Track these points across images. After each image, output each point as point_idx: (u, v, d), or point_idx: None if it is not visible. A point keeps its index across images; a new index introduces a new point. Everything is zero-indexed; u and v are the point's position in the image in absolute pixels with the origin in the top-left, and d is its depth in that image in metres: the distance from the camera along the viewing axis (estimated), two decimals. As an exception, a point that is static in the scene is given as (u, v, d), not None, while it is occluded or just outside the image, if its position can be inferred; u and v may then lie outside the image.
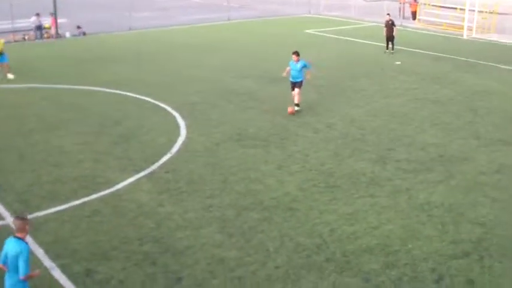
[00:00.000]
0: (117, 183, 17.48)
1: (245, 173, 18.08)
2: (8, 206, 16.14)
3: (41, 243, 14.21)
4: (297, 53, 24.77)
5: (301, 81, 24.74)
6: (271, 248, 13.87)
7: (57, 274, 12.96)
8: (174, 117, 23.92)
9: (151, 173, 18.18)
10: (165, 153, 19.73)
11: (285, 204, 16.04)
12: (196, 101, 26.39)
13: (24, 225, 10.25)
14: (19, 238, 10.15)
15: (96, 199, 16.51)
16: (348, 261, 13.36)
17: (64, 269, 13.15)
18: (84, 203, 16.27)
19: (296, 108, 24.59)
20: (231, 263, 13.25)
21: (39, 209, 16.02)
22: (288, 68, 25.00)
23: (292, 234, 14.50)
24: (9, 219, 15.37)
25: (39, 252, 13.85)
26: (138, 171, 18.28)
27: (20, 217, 10.45)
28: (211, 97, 27.00)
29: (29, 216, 15.18)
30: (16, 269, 10.09)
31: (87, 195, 16.71)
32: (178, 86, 29.33)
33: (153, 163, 18.91)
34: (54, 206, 16.17)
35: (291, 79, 24.89)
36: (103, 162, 19.15)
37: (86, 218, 15.43)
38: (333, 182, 17.50)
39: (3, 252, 10.31)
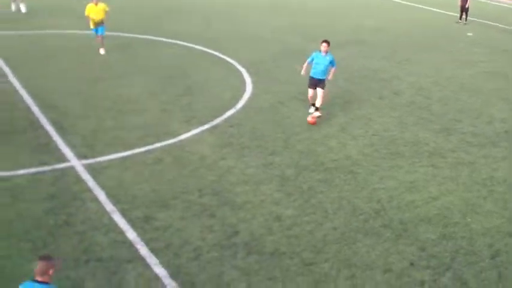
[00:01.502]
0: (181, 134, 17.69)
1: (308, 133, 18.08)
2: (74, 150, 16.48)
3: (103, 187, 14.51)
4: (327, 43, 19.62)
5: (325, 80, 19.75)
6: (329, 210, 13.90)
7: (117, 218, 13.25)
8: (240, 73, 23.98)
9: (215, 127, 18.32)
10: (229, 108, 19.85)
11: (346, 167, 16.02)
12: (263, 59, 26.38)
13: (48, 269, 8.34)
14: (45, 283, 8.31)
15: (159, 148, 16.74)
16: (405, 229, 13.31)
17: (124, 213, 13.42)
18: (147, 151, 16.51)
19: (316, 114, 19.61)
20: (287, 221, 13.34)
21: (103, 154, 16.33)
22: (305, 64, 19.91)
23: (351, 198, 14.49)
24: (74, 162, 15.76)
25: (101, 195, 14.16)
26: (202, 124, 18.45)
27: (43, 257, 8.49)
28: (278, 56, 26.95)
29: (93, 161, 15.67)
30: None
31: (151, 144, 16.95)
32: (246, 43, 29.35)
33: (217, 117, 19.05)
34: (118, 152, 16.45)
35: (312, 75, 19.70)
36: (168, 113, 19.36)
37: (148, 166, 15.67)
38: (395, 149, 17.37)
39: None
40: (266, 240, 12.61)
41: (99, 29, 26.31)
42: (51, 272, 8.35)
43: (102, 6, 26.21)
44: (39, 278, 8.31)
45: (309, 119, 18.91)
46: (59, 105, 19.99)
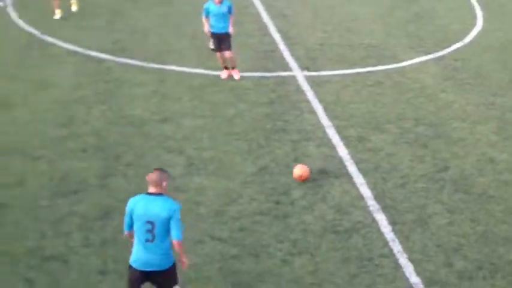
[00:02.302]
0: (404, 60, 17.53)
1: (536, 78, 17.25)
2: (298, 60, 16.97)
3: (321, 101, 14.88)
4: None
5: None
6: (547, 161, 13.35)
7: (331, 133, 13.58)
8: (471, 5, 23.07)
9: (439, 58, 17.92)
10: (457, 41, 19.24)
11: None
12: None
13: (163, 179, 7.92)
14: (158, 194, 7.88)
15: (380, 71, 16.75)
16: None
17: (339, 130, 13.71)
18: (368, 72, 16.59)
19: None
20: (500, 165, 12.96)
21: (325, 68, 16.65)
22: None
23: None
24: (297, 72, 16.23)
25: (319, 108, 14.55)
26: (426, 53, 18.13)
27: (159, 169, 8.15)
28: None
29: (315, 74, 16.03)
30: (166, 234, 7.88)
31: (373, 66, 16.99)
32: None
33: (443, 48, 18.58)
34: (340, 68, 16.69)
35: None
36: (393, 37, 19.19)
37: (368, 87, 15.77)
38: None
39: (135, 214, 7.88)
40: (475, 180, 12.39)
41: None
42: (164, 184, 7.93)
43: None
44: (152, 190, 7.91)
45: (297, 173, 11.98)
46: (288, 14, 20.50)
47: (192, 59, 16.72)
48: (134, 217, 7.84)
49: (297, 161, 12.46)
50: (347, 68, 16.68)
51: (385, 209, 11.29)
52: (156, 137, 13.38)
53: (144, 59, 16.91)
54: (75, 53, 17.46)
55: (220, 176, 12.02)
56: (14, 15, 19.90)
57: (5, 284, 9.34)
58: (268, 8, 20.89)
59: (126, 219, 7.97)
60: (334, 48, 17.98)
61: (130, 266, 7.98)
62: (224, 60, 15.71)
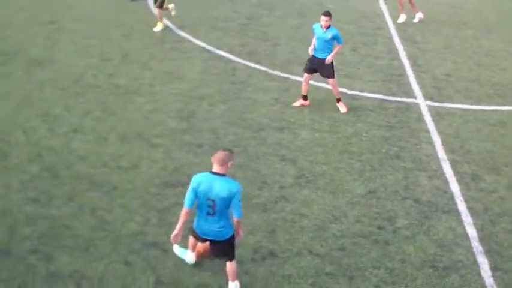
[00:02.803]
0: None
1: None
2: (423, 88, 16.77)
3: (440, 133, 14.64)
4: None
5: None
6: None
7: (446, 167, 13.32)
8: None
9: None
10: None
11: None
12: None
13: (228, 160, 8.54)
14: (222, 175, 8.51)
15: (506, 111, 16.23)
16: None
17: (454, 165, 13.42)
18: (493, 111, 16.14)
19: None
20: None
21: (449, 100, 16.35)
22: None
23: None
24: (420, 100, 16.08)
25: (437, 140, 14.33)
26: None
27: (226, 150, 8.79)
28: None
29: (438, 104, 15.81)
30: (226, 210, 8.63)
31: (499, 104, 16.50)
32: None
33: None
34: (464, 103, 16.33)
35: None
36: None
37: (490, 126, 15.34)
38: None
39: (199, 190, 8.55)
40: None
41: None
42: (229, 164, 8.58)
43: None
44: (217, 169, 8.52)
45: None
46: (419, 41, 20.30)
47: (319, 72, 16.86)
48: (198, 193, 8.52)
49: (407, 189, 12.36)
50: (472, 103, 16.31)
51: (489, 252, 11.00)
52: (271, 144, 13.58)
53: (271, 66, 17.21)
54: (206, 50, 18.03)
55: (329, 192, 12.07)
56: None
57: (105, 263, 9.73)
58: (401, 32, 20.75)
59: (190, 195, 8.63)
60: (461, 81, 17.63)
61: (194, 229, 9.05)
62: (306, 87, 15.26)
